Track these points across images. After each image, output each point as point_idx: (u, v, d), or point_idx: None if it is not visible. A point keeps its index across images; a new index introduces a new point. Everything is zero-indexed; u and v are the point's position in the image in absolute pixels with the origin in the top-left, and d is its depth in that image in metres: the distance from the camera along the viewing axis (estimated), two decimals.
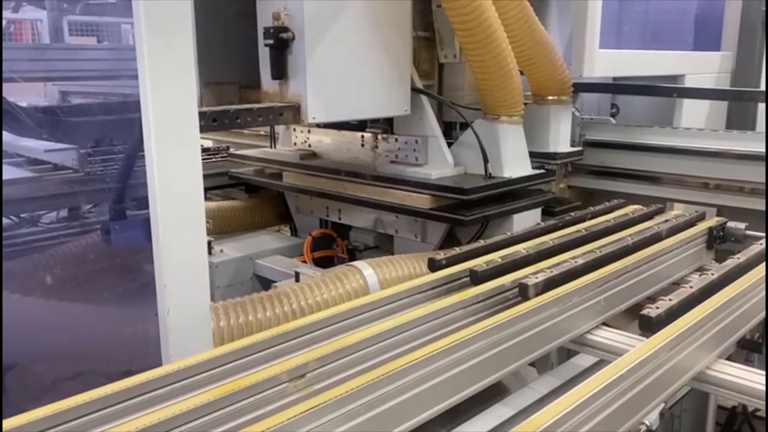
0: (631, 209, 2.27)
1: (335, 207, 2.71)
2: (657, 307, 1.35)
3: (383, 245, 2.66)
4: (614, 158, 2.88)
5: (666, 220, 2.07)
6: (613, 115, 3.57)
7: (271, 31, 1.94)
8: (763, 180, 2.44)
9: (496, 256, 1.69)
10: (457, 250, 1.73)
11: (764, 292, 1.59)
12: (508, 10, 2.21)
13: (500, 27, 2.13)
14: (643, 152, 2.81)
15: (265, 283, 2.48)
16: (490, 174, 2.29)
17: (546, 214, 2.51)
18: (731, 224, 2.07)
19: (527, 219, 2.37)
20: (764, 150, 2.47)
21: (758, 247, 1.78)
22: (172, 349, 1.37)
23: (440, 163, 2.35)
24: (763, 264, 1.67)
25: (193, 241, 1.40)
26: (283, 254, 2.66)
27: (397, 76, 2.22)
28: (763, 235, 1.93)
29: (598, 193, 2.94)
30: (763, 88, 3.77)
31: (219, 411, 1.04)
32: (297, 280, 2.17)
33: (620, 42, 3.01)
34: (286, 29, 1.95)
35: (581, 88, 2.96)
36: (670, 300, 1.38)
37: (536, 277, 1.46)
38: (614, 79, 3.28)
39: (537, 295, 1.42)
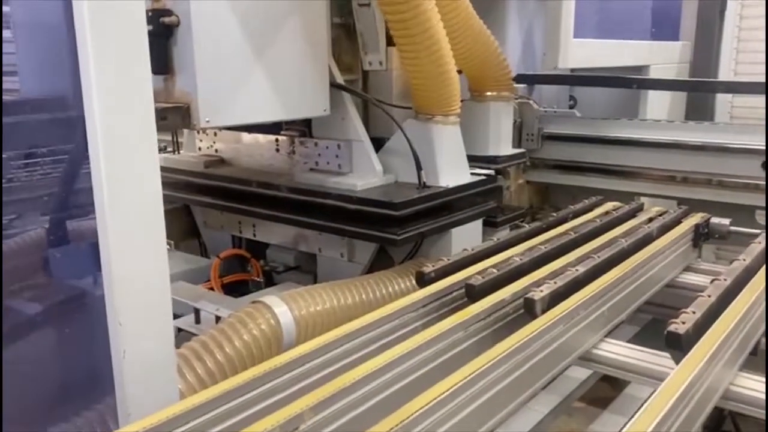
0: (610, 206, 2.15)
1: (249, 222, 2.36)
2: (682, 322, 1.24)
3: (305, 265, 2.33)
4: (577, 152, 2.81)
5: (650, 218, 1.98)
6: (571, 107, 3.53)
7: (150, 14, 1.55)
8: (735, 172, 2.43)
9: (487, 265, 1.57)
10: (445, 260, 1.60)
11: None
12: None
13: (437, 16, 1.84)
14: (610, 145, 2.75)
15: None
16: (424, 183, 1.98)
17: (487, 225, 2.24)
18: (715, 220, 1.98)
19: (467, 232, 2.09)
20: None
21: (758, 246, 1.69)
22: (131, 401, 1.11)
23: (366, 172, 2.02)
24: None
25: (154, 267, 1.13)
26: (189, 279, 2.28)
27: (313, 69, 1.87)
28: (758, 232, 1.83)
29: (557, 188, 2.88)
30: (720, 78, 3.69)
31: None
32: (197, 319, 1.80)
33: (577, 32, 2.83)
34: (168, 12, 1.58)
35: (541, 79, 2.98)
36: (694, 313, 1.28)
37: (540, 290, 1.37)
38: (572, 70, 3.14)
39: (544, 311, 1.33)
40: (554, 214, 2.05)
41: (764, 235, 1.78)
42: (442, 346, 1.24)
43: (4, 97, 1.40)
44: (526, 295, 1.36)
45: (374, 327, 1.30)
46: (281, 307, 1.60)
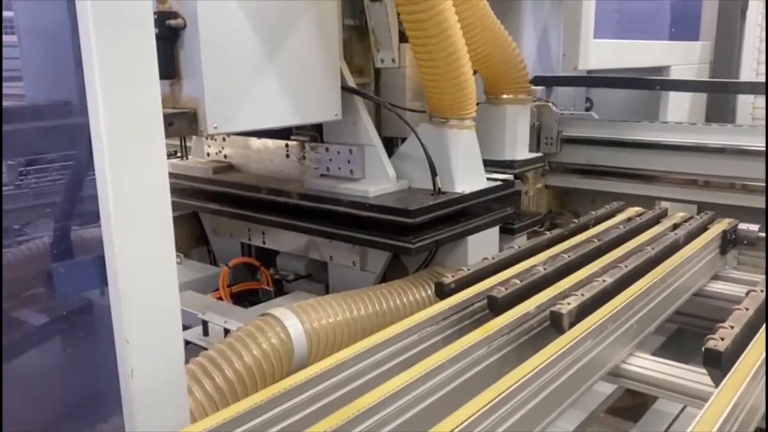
0: (633, 212, 2.09)
1: (258, 229, 2.30)
2: (721, 338, 1.18)
3: (317, 274, 2.26)
4: (596, 155, 2.74)
5: (675, 225, 1.94)
6: (587, 110, 3.47)
7: (155, 17, 1.49)
8: (758, 176, 2.33)
9: (509, 275, 1.53)
10: (464, 270, 1.55)
11: None
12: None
13: (454, 16, 1.78)
14: (631, 149, 2.66)
15: None
16: (439, 189, 1.91)
17: (504, 231, 2.16)
18: (743, 226, 1.94)
19: (484, 240, 2.01)
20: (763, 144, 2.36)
21: None
22: (140, 421, 1.05)
23: (379, 177, 1.95)
24: None
25: (163, 281, 1.07)
26: (197, 288, 2.22)
27: (324, 72, 1.81)
28: None
29: (576, 192, 2.83)
30: (742, 78, 3.59)
31: None
32: (205, 332, 1.74)
33: (595, 33, 2.77)
34: (174, 15, 1.53)
35: (560, 81, 2.90)
36: (732, 327, 1.22)
37: (567, 303, 1.32)
38: (588, 72, 3.06)
39: (571, 325, 1.28)
40: (576, 221, 1.98)
41: None
42: (464, 363, 1.18)
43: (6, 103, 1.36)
44: (553, 309, 1.30)
45: (393, 342, 1.24)
46: (292, 319, 1.54)
